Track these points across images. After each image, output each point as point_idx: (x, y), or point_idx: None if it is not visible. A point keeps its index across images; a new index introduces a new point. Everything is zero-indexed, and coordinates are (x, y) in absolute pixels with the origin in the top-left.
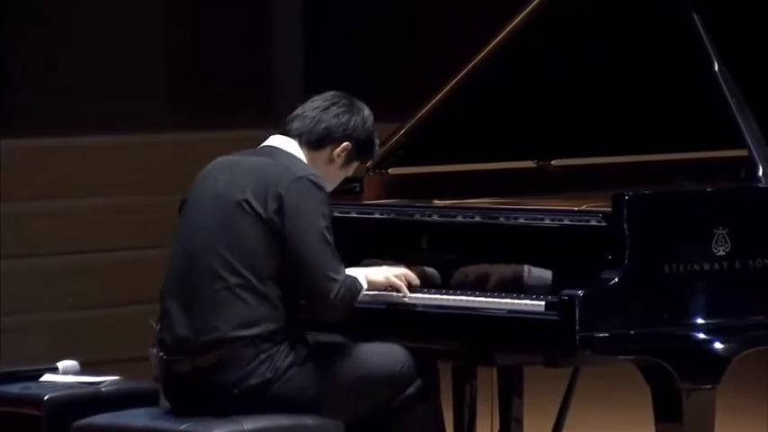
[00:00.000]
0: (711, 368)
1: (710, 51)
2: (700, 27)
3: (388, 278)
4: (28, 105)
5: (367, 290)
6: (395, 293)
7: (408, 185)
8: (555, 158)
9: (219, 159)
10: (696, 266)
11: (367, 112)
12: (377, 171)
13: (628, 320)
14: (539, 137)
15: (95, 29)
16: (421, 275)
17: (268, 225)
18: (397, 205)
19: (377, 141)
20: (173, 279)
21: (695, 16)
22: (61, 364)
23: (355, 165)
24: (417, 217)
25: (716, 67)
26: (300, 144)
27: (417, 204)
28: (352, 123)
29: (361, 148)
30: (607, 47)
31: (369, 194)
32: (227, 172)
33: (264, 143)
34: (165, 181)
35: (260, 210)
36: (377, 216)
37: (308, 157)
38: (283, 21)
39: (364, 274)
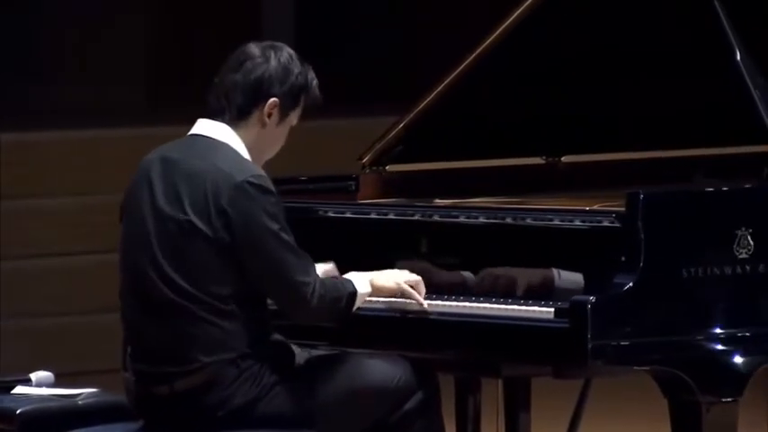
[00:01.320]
0: (733, 380)
1: (732, 40)
2: (721, 13)
3: (399, 285)
4: None
5: (372, 295)
6: (401, 300)
7: (407, 184)
8: (565, 154)
9: (154, 158)
10: (717, 270)
11: (285, 52)
12: (374, 168)
13: (643, 328)
14: (547, 131)
15: (72, 15)
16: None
17: (217, 244)
18: (396, 205)
19: (311, 77)
20: (128, 310)
21: (716, 2)
22: (35, 376)
23: (297, 113)
24: (417, 217)
25: (738, 57)
26: (226, 122)
27: (417, 204)
28: (268, 74)
29: (292, 96)
30: (621, 35)
31: (365, 193)
32: (164, 179)
33: (193, 130)
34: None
35: (205, 229)
36: (373, 217)
37: (240, 134)
38: (273, 6)
39: (369, 279)
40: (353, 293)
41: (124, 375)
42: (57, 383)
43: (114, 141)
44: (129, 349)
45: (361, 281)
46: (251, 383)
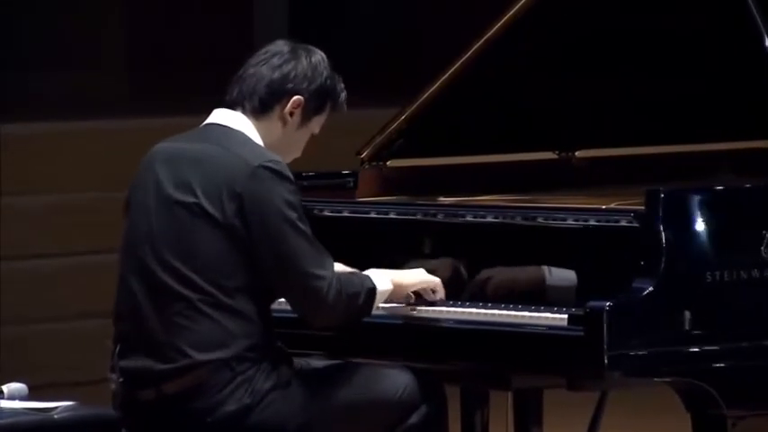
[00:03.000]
0: (762, 392)
1: (760, 25)
2: None
3: (421, 282)
4: None
5: (393, 294)
6: (404, 305)
7: (409, 180)
8: (579, 149)
9: (159, 147)
10: (743, 274)
11: (317, 54)
12: (373, 164)
13: (664, 337)
14: (561, 124)
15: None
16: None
17: (228, 230)
18: (397, 203)
19: (340, 86)
20: (125, 299)
21: None
22: (6, 388)
23: (319, 120)
24: (420, 217)
25: (767, 44)
26: (246, 113)
27: (420, 202)
28: (297, 72)
29: (318, 99)
30: (641, 20)
31: (364, 191)
32: (170, 165)
33: (207, 120)
34: (125, 175)
35: (215, 213)
36: (373, 216)
37: (258, 128)
38: None
39: (390, 277)
40: (372, 289)
41: (110, 377)
42: (31, 396)
43: (88, 135)
44: (117, 348)
45: (381, 277)
46: (245, 389)
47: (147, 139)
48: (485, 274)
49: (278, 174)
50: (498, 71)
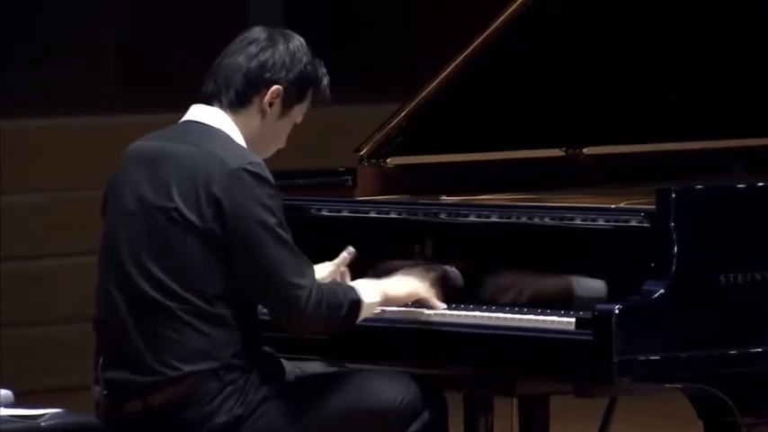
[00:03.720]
0: None
1: None
2: None
3: (415, 293)
4: None
5: (384, 306)
6: (403, 309)
7: (410, 178)
8: (587, 146)
9: (135, 146)
10: (758, 276)
11: (295, 40)
12: (372, 161)
13: (676, 341)
14: (568, 120)
15: None
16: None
17: (206, 235)
18: (398, 202)
19: (321, 71)
20: (106, 308)
21: None
22: None
23: (301, 109)
24: (421, 217)
25: None
26: (223, 108)
27: (421, 201)
28: (274, 60)
29: (298, 87)
30: (653, 11)
31: (363, 189)
32: (146, 165)
33: (185, 117)
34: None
35: (193, 218)
36: (372, 216)
37: (237, 122)
38: None
39: (380, 288)
40: (356, 302)
41: (94, 389)
42: (17, 403)
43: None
44: (100, 359)
45: (369, 289)
46: (235, 400)
47: (138, 136)
48: (488, 276)
49: (257, 177)
50: (503, 64)
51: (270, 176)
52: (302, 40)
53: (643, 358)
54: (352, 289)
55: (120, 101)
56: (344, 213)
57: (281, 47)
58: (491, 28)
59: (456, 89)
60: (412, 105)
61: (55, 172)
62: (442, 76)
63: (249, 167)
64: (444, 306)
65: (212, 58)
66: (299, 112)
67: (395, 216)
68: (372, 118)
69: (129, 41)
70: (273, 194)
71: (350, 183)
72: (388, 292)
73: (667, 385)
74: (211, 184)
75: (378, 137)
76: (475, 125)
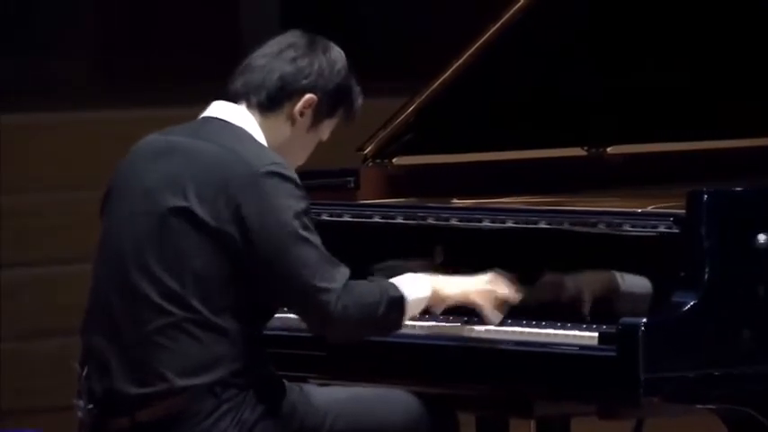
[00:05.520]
0: None
1: None
2: None
3: (469, 296)
4: None
5: (432, 304)
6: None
7: (418, 180)
8: (611, 144)
9: (149, 140)
10: None
11: (336, 51)
12: (377, 161)
13: (707, 358)
14: (590, 116)
15: None
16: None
17: (219, 239)
18: (405, 206)
19: (356, 89)
20: (98, 310)
21: None
22: None
23: (330, 125)
24: (430, 221)
25: None
26: (250, 108)
27: (431, 205)
28: (313, 68)
29: (333, 101)
30: (682, 7)
31: (367, 192)
32: (159, 161)
33: (205, 112)
34: (92, 173)
35: (208, 219)
36: (377, 220)
37: (263, 126)
38: None
39: (432, 284)
40: (397, 299)
41: (77, 404)
42: None
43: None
44: (85, 370)
45: (417, 284)
46: (230, 419)
47: (121, 133)
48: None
49: (280, 176)
50: (519, 57)
51: (295, 176)
52: (342, 52)
53: (672, 376)
54: (394, 286)
55: (98, 95)
56: (346, 218)
57: (322, 56)
58: (503, 20)
59: (467, 85)
60: (421, 99)
61: (38, 172)
62: (453, 69)
63: (272, 168)
64: (499, 319)
65: (207, 54)
66: (327, 128)
67: (401, 221)
68: (372, 117)
69: (105, 35)
70: (300, 195)
71: (352, 184)
72: (438, 288)
73: (699, 405)
74: (229, 185)
75: (382, 134)
76: (488, 123)
